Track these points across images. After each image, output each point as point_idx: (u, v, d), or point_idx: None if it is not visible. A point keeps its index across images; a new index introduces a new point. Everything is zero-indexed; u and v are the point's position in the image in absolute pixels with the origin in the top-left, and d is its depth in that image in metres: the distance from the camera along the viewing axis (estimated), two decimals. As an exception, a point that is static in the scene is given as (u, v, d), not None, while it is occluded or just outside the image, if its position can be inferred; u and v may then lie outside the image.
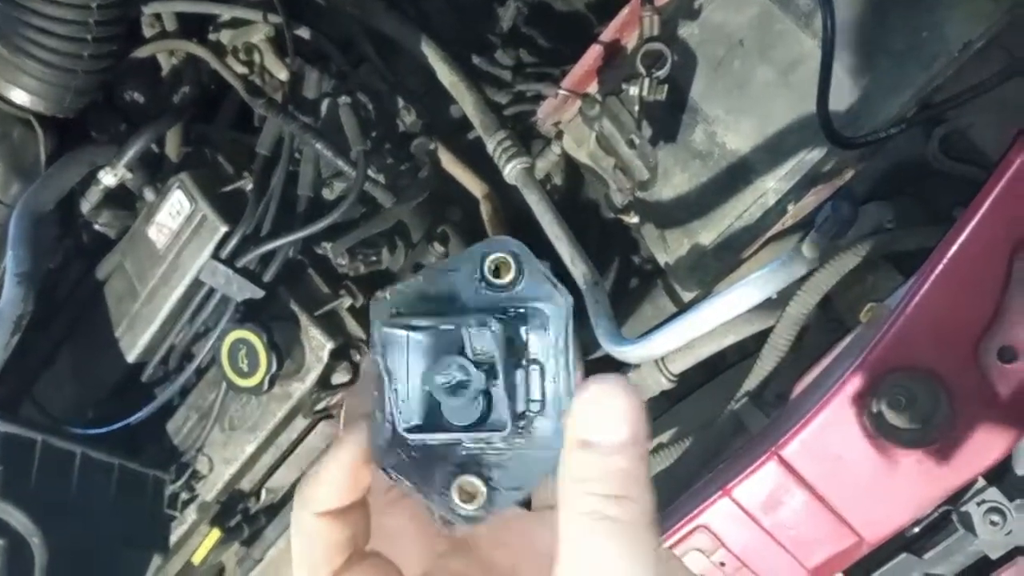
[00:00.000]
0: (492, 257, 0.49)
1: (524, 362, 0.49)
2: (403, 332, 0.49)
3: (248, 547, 1.79)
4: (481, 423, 0.49)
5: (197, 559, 1.77)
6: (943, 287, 1.03)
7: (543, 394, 0.49)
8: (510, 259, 0.49)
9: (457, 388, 0.48)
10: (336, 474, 0.52)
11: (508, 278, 0.49)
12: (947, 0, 1.17)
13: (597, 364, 1.54)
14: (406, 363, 0.50)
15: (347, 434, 0.53)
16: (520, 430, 0.49)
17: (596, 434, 0.45)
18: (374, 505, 0.56)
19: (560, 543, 0.44)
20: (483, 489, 0.49)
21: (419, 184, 1.67)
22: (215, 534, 1.74)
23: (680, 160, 1.35)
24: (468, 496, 0.49)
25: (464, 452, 0.50)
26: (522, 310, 0.49)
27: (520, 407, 0.49)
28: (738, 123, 1.31)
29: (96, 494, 1.62)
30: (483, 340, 0.47)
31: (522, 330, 0.49)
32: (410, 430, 0.49)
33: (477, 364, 0.48)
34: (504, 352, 0.47)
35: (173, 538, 1.73)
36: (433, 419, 0.50)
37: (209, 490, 1.70)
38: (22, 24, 1.53)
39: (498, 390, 0.48)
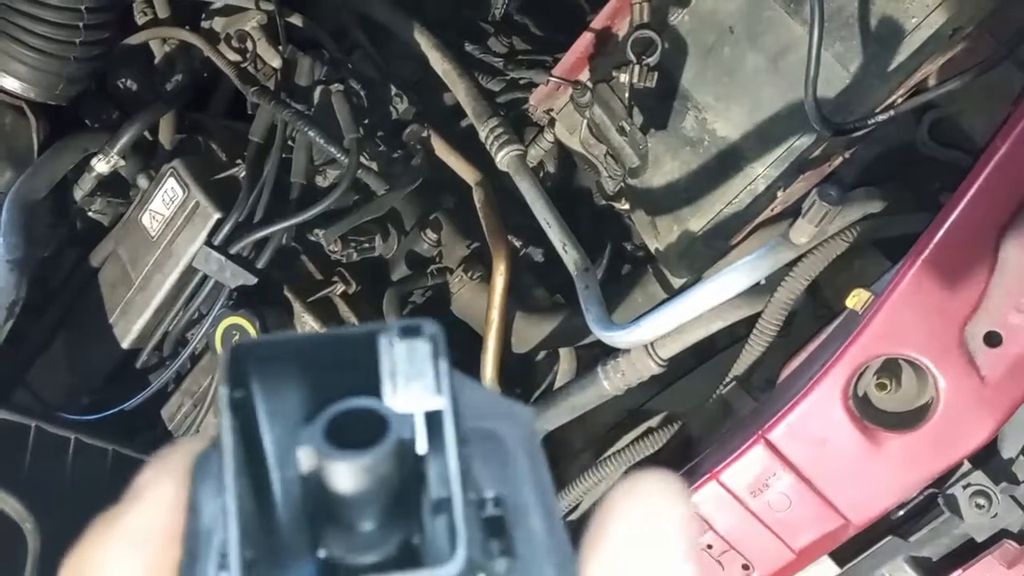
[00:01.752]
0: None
1: (475, 500, 0.29)
2: (270, 341, 0.28)
3: (242, 533, 1.79)
4: (403, 561, 0.28)
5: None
6: (930, 272, 1.04)
7: (510, 543, 0.29)
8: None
9: (358, 443, 0.26)
10: None
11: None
12: (936, -14, 1.17)
13: (587, 350, 1.55)
14: (264, 441, 0.28)
15: None
16: None
17: None
18: None
19: None
20: None
21: (412, 171, 1.67)
22: (209, 520, 1.75)
23: (670, 147, 1.35)
24: None
25: None
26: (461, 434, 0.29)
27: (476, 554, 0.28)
28: (728, 110, 1.31)
29: (90, 480, 1.63)
30: (413, 360, 0.27)
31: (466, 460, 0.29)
32: None
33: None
34: (453, 401, 0.27)
35: (167, 524, 1.74)
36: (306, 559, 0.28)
37: (203, 476, 1.71)
38: (13, 11, 1.53)
39: (431, 493, 0.27)
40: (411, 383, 0.27)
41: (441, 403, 0.27)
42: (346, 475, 0.26)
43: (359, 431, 0.26)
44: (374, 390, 0.27)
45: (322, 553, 0.28)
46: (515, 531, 0.29)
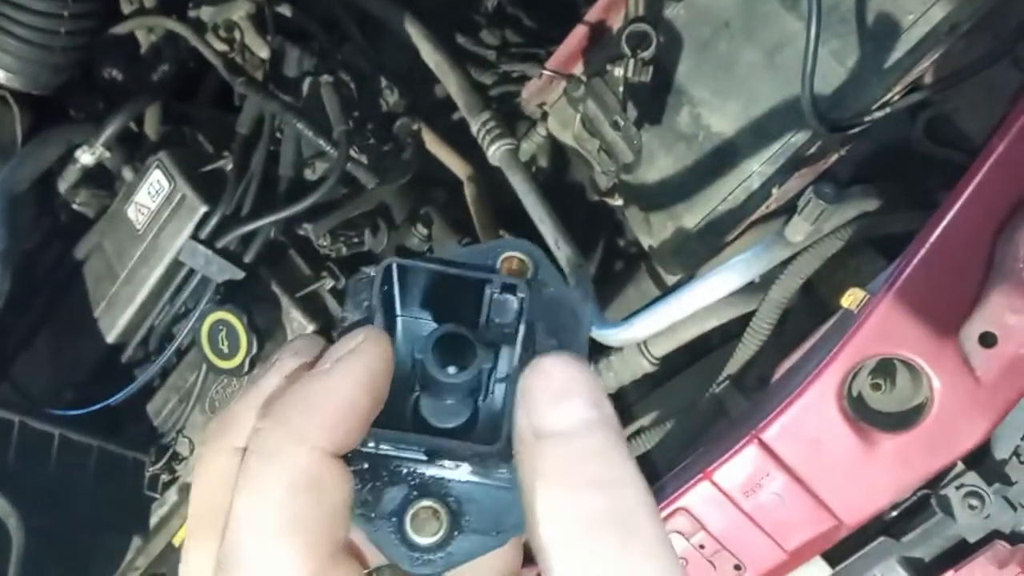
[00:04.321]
0: (506, 254, 0.42)
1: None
2: (416, 265, 0.40)
3: (229, 529, 1.78)
4: (464, 432, 0.40)
5: (177, 541, 1.76)
6: (925, 272, 1.03)
7: None
8: (526, 258, 0.42)
9: (456, 362, 0.39)
10: (346, 403, 0.37)
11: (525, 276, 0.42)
12: (934, -18, 1.16)
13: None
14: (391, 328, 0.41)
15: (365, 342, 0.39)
16: (508, 459, 0.39)
17: (551, 418, 0.37)
18: None
19: (549, 563, 0.35)
20: (446, 517, 0.38)
21: (402, 165, 1.66)
22: (196, 516, 1.73)
23: (665, 142, 1.34)
24: (425, 525, 0.38)
25: (430, 473, 0.40)
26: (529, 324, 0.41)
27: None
28: (723, 105, 1.30)
29: (75, 476, 1.61)
30: (503, 311, 0.40)
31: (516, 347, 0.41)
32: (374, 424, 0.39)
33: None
34: (523, 338, 0.39)
35: (153, 520, 1.72)
36: (401, 417, 0.40)
37: (189, 472, 1.69)
38: (-3, -1, 1.51)
39: (496, 395, 0.40)
40: (497, 329, 0.40)
41: (515, 349, 0.39)
42: (443, 380, 0.39)
43: (457, 347, 0.39)
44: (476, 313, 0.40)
45: (413, 411, 0.41)
46: None
